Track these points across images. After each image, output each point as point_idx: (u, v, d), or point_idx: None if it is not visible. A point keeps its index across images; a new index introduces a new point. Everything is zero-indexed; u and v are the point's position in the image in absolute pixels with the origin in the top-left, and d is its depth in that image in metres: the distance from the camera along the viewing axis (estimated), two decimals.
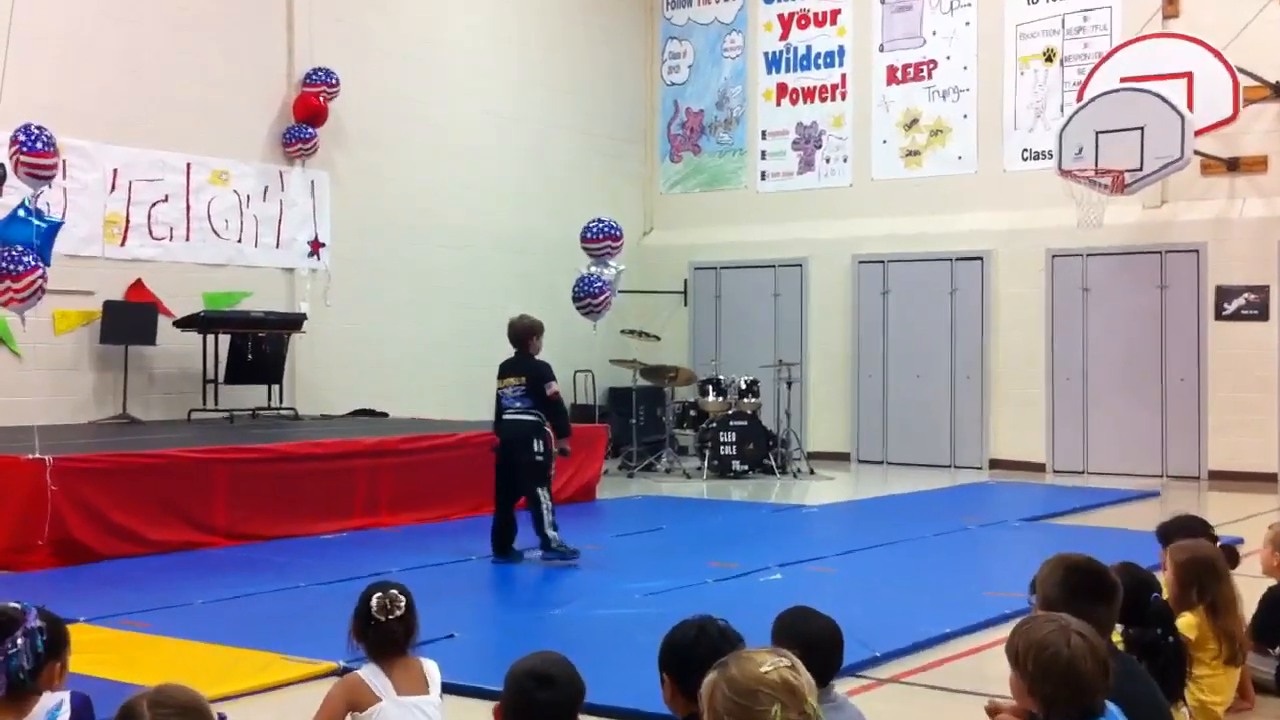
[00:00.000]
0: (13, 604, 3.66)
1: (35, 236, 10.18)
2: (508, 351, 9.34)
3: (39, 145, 10.16)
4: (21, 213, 10.21)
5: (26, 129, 10.22)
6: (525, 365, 9.14)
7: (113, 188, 12.81)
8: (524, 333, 9.23)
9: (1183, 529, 5.60)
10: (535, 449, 8.98)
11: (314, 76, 14.24)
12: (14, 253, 9.95)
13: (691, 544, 10.24)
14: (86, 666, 4.95)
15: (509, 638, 7.02)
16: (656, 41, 18.72)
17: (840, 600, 8.19)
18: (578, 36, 17.63)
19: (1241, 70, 13.81)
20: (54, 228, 10.54)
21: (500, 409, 9.18)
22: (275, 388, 13.50)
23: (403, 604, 4.22)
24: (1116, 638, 4.14)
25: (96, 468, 9.12)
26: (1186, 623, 4.91)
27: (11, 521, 8.72)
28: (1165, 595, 4.81)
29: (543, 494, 8.96)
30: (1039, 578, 4.00)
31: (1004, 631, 3.34)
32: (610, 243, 12.44)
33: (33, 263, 9.99)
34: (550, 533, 8.93)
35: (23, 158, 10.13)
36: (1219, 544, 5.57)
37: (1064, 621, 3.33)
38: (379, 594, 4.22)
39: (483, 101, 16.38)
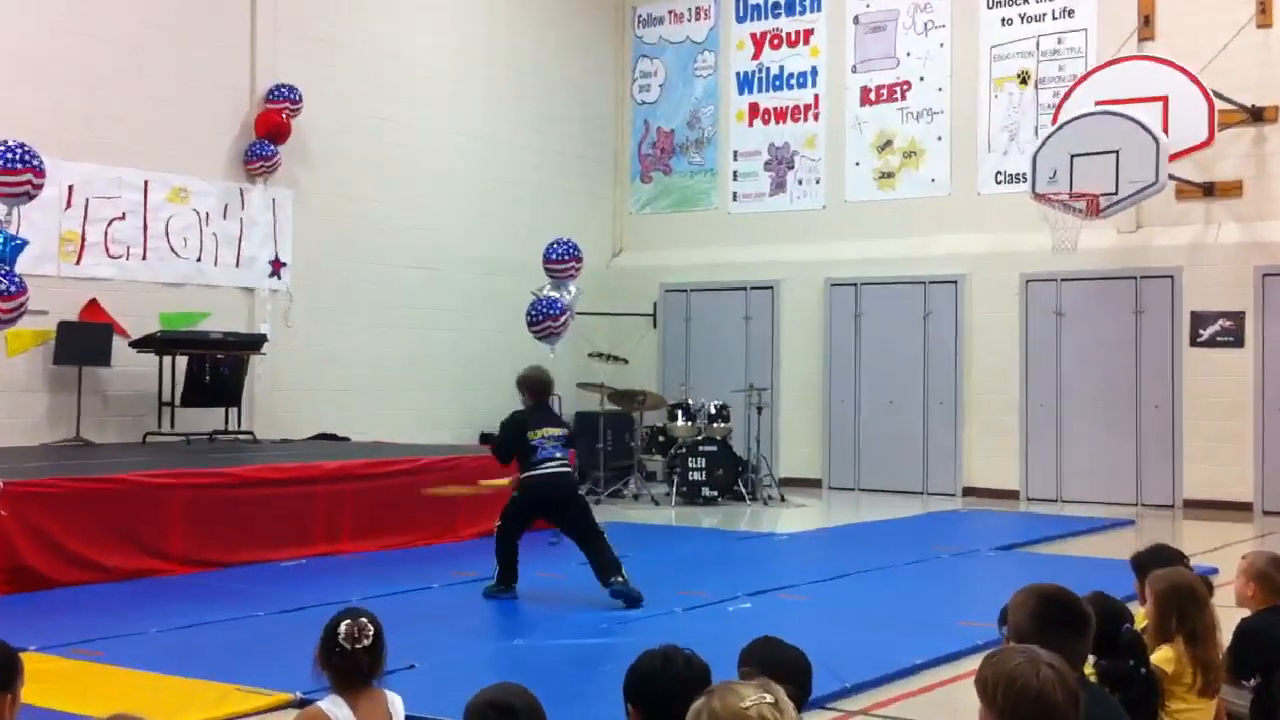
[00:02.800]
0: None
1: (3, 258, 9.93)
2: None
3: (17, 164, 9.85)
4: None
5: (6, 146, 9.89)
6: (559, 417, 9.08)
7: (68, 205, 12.52)
8: (550, 386, 9.17)
9: (1158, 559, 5.48)
10: (585, 497, 8.92)
11: (277, 93, 13.99)
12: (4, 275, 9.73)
13: (659, 572, 9.98)
14: (38, 697, 4.85)
15: (471, 668, 6.79)
16: (627, 60, 18.53)
17: (811, 630, 7.99)
18: (547, 54, 17.42)
19: (1217, 94, 13.70)
20: (19, 248, 10.27)
21: (539, 459, 8.73)
22: (233, 410, 13.20)
23: (371, 633, 4.06)
24: (1089, 669, 4.04)
25: (49, 492, 8.89)
26: (1163, 656, 4.77)
27: None
28: (1141, 626, 4.76)
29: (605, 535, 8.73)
30: (1010, 608, 3.91)
31: (977, 662, 3.26)
32: (575, 264, 12.22)
33: (20, 287, 9.74)
34: (623, 575, 8.54)
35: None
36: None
37: (1034, 653, 3.22)
38: (347, 621, 4.06)
39: (450, 119, 16.15)
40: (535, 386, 9.02)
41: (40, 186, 10.21)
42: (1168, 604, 4.91)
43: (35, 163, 10.36)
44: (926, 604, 8.89)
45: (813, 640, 7.25)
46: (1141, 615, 4.93)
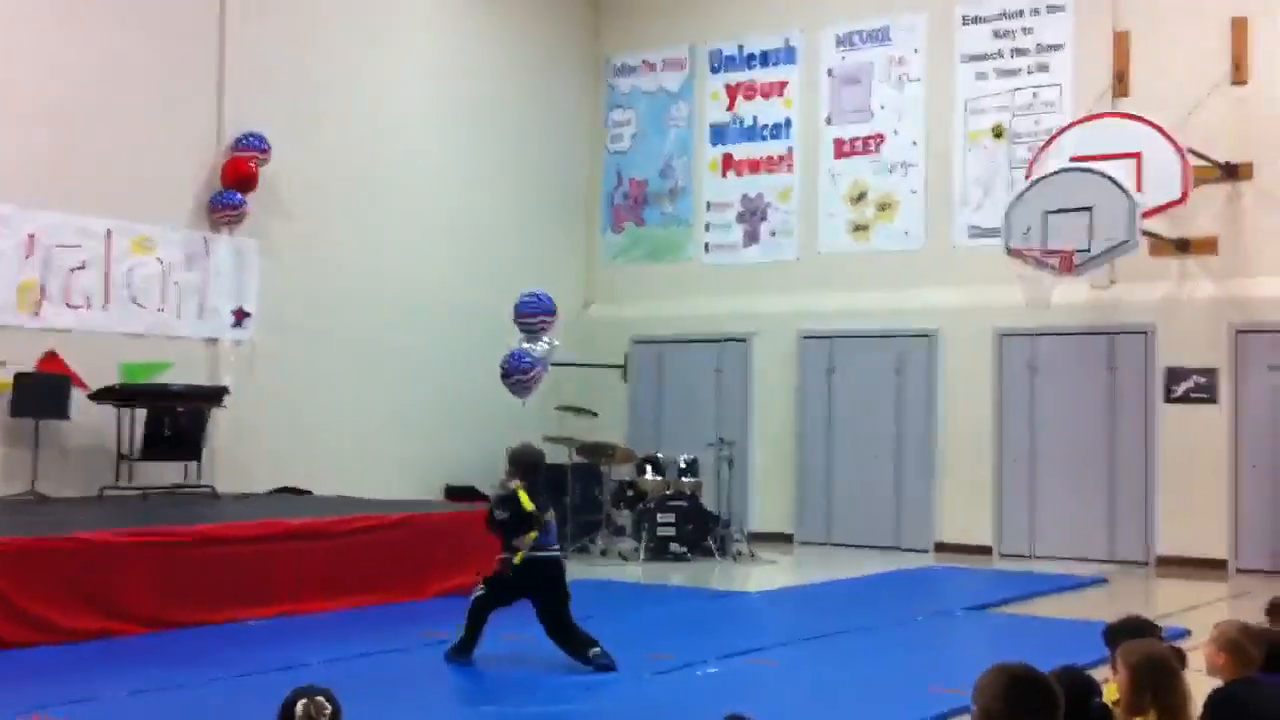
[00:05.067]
0: None
1: None
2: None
3: None
4: None
5: None
6: (549, 499, 8.68)
7: (29, 254, 12.32)
8: (538, 463, 8.76)
9: (1130, 630, 5.43)
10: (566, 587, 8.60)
11: (245, 141, 13.84)
12: None
13: (627, 634, 9.80)
14: None
15: None
16: (600, 109, 18.44)
17: (780, 696, 7.88)
18: (520, 103, 17.32)
19: (1191, 151, 13.66)
20: None
21: (541, 543, 8.49)
22: (193, 464, 12.96)
23: (328, 712, 3.93)
24: None
25: (3, 552, 8.63)
26: None
27: None
28: (1114, 698, 4.71)
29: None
30: (979, 688, 3.84)
31: None
32: (544, 317, 12.05)
33: None
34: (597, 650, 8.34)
35: None
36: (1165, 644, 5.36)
37: None
38: (304, 700, 3.92)
39: (422, 168, 16.03)
40: (532, 463, 8.71)
41: None
42: (1141, 677, 4.82)
43: None
44: (897, 668, 8.74)
45: (781, 709, 7.08)
46: (1112, 688, 4.86)
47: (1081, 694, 4.40)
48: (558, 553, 8.61)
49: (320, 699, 3.94)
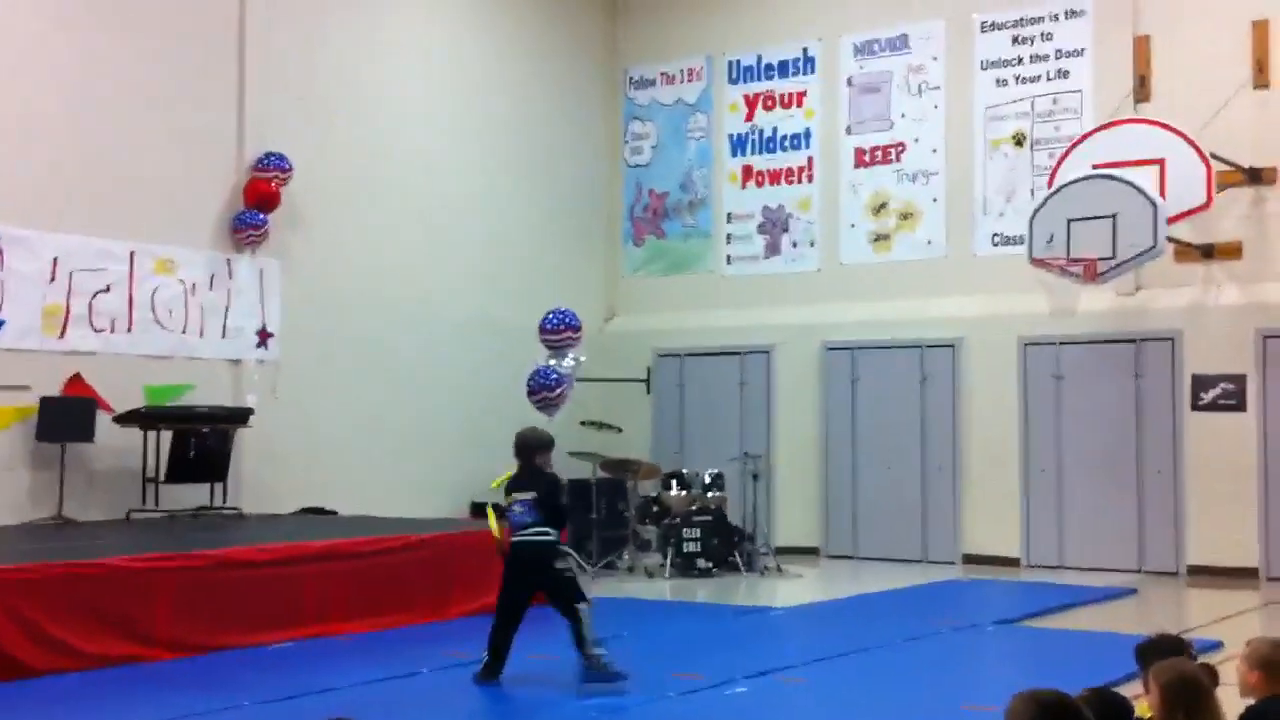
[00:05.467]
0: None
1: None
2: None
3: None
4: None
5: None
6: (537, 480, 8.49)
7: (53, 278, 12.35)
8: (533, 446, 8.59)
9: (1161, 649, 5.39)
10: (560, 566, 8.43)
11: (266, 161, 13.85)
12: None
13: (654, 653, 9.78)
14: None
15: None
16: (619, 122, 18.41)
17: (809, 716, 7.80)
18: (539, 116, 17.31)
19: (1215, 155, 13.59)
20: None
21: (512, 527, 8.43)
22: (219, 486, 12.96)
23: None
24: None
25: (30, 578, 8.62)
26: None
27: None
28: (1147, 716, 4.68)
29: (584, 610, 8.24)
30: (1010, 715, 3.83)
31: None
32: (570, 334, 11.98)
33: None
34: (596, 651, 8.17)
35: None
36: (1197, 662, 5.33)
37: None
38: None
39: (443, 184, 16.03)
40: (516, 447, 8.63)
41: None
42: (1173, 697, 4.75)
43: None
44: (928, 686, 8.64)
45: None
46: (1144, 706, 4.82)
47: (1115, 716, 4.37)
48: (523, 535, 8.33)
49: None
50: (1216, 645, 8.97)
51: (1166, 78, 14.61)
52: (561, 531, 8.62)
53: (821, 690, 8.42)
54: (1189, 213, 13.53)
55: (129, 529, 11.89)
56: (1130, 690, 6.14)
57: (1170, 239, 13.60)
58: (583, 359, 12.41)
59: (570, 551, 8.35)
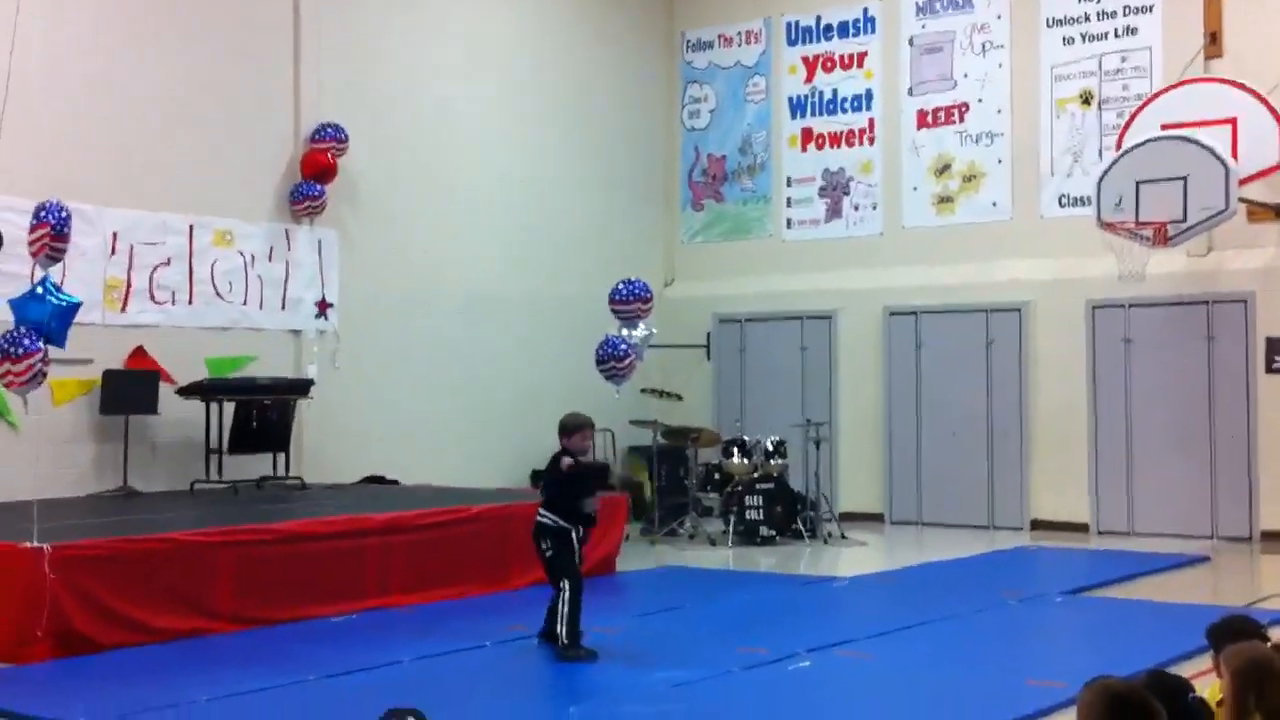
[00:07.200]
0: None
1: (51, 316, 9.61)
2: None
3: (65, 230, 9.50)
4: (40, 290, 9.61)
5: (53, 211, 9.47)
6: (551, 463, 8.77)
7: (113, 251, 12.40)
8: (560, 431, 8.78)
9: (1233, 631, 5.35)
10: (543, 546, 8.58)
11: (323, 133, 13.82)
12: (16, 334, 9.39)
13: (716, 625, 9.76)
14: None
15: None
16: (676, 86, 18.22)
17: (872, 691, 7.75)
18: (595, 82, 17.16)
19: None
20: (73, 308, 9.93)
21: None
22: (281, 456, 13.00)
23: None
24: None
25: (97, 554, 8.68)
26: None
27: (10, 613, 8.34)
28: (1217, 698, 4.72)
29: (565, 591, 8.42)
30: (1082, 704, 3.87)
31: None
32: (640, 305, 11.79)
33: (32, 345, 9.37)
34: (561, 630, 8.37)
35: (52, 243, 9.49)
36: (1270, 645, 5.22)
37: None
38: None
39: (497, 152, 15.94)
40: (560, 430, 8.85)
41: (61, 249, 9.61)
42: (1245, 682, 4.72)
43: (53, 220, 9.69)
44: (993, 660, 8.54)
45: (875, 708, 6.93)
46: (1216, 687, 4.84)
47: (1174, 697, 4.42)
48: (538, 516, 8.67)
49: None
50: None
51: (1238, 34, 14.24)
52: (570, 510, 8.63)
53: (885, 665, 8.33)
54: (1262, 173, 13.22)
55: (193, 500, 11.97)
56: (1200, 665, 6.02)
57: (1242, 200, 13.29)
58: (655, 331, 12.27)
59: (567, 527, 8.53)
